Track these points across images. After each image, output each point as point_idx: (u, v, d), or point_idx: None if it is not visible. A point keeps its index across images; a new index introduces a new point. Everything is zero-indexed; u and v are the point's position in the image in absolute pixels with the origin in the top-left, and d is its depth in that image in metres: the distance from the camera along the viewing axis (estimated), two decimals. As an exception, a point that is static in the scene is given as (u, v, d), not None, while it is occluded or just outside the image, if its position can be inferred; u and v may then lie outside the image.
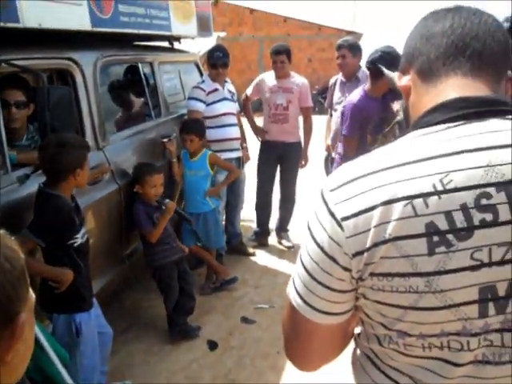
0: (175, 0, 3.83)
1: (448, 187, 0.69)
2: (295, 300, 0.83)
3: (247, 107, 4.56)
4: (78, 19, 2.60)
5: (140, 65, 3.72)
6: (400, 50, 0.92)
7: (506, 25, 4.70)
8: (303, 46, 16.11)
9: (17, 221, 2.11)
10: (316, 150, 4.63)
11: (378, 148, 0.79)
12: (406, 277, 0.71)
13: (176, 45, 4.41)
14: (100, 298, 2.44)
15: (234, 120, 3.97)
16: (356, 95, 3.26)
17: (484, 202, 0.68)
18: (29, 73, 2.50)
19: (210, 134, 3.82)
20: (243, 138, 4.24)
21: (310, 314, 0.81)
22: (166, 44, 4.32)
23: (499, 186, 0.68)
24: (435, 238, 0.69)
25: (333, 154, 3.90)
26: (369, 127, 3.17)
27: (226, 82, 3.97)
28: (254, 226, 4.68)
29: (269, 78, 4.31)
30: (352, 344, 0.91)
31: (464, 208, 0.68)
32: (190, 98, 3.84)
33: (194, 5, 4.25)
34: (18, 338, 0.58)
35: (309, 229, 0.80)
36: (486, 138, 0.71)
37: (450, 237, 0.68)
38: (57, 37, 2.61)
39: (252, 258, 4.31)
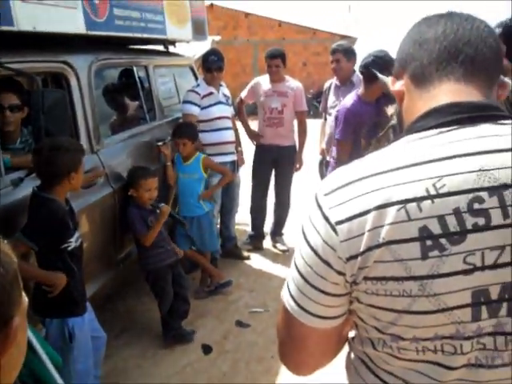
0: (170, 4, 3.84)
1: (441, 191, 0.69)
2: (289, 304, 0.83)
3: (241, 111, 4.57)
4: (72, 22, 2.60)
5: (135, 68, 3.71)
6: (394, 55, 0.93)
7: (499, 30, 4.73)
8: (298, 50, 16.16)
9: (10, 224, 2.10)
10: (310, 154, 4.64)
11: (372, 152, 0.80)
12: (400, 281, 0.71)
13: (171, 48, 4.41)
14: (94, 302, 2.43)
15: (228, 124, 3.97)
16: (349, 100, 3.27)
17: (477, 206, 0.69)
18: (23, 76, 2.49)
19: (205, 138, 3.83)
20: (238, 142, 4.25)
21: (305, 317, 0.81)
22: (160, 48, 4.32)
23: (492, 190, 0.69)
24: (428, 242, 0.69)
25: (327, 158, 3.91)
26: (362, 131, 3.19)
27: (220, 85, 3.98)
28: (249, 229, 4.68)
29: (264, 81, 4.32)
30: (346, 348, 0.92)
31: (457, 212, 0.69)
32: (185, 102, 3.84)
33: (189, 9, 4.26)
34: (12, 342, 0.58)
35: (303, 233, 0.80)
36: (479, 143, 0.72)
37: (443, 241, 0.69)
38: (51, 40, 2.61)
39: (247, 262, 4.31)
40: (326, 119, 4.25)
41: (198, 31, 4.46)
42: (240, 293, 3.76)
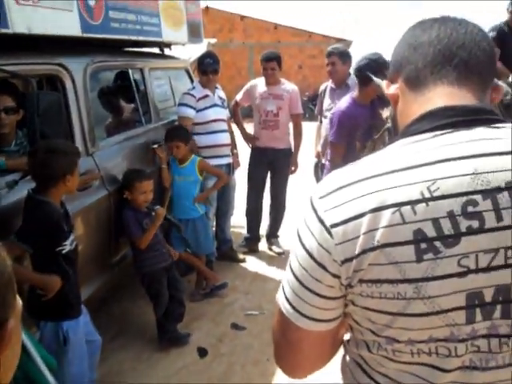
0: (166, 6, 3.84)
1: (435, 194, 0.70)
2: (285, 307, 0.83)
3: (237, 113, 4.57)
4: (68, 25, 2.60)
5: (130, 71, 3.71)
6: (389, 57, 0.94)
7: (493, 34, 4.75)
8: (293, 53, 16.22)
9: (5, 227, 2.09)
10: (306, 157, 4.65)
11: (367, 155, 0.80)
12: (395, 283, 0.71)
13: (167, 51, 4.41)
14: (89, 305, 2.42)
15: (224, 126, 3.97)
16: (344, 102, 3.28)
17: (470, 209, 0.69)
18: (18, 78, 2.48)
19: (201, 140, 3.83)
20: (234, 144, 4.25)
21: (300, 320, 0.81)
22: (156, 50, 4.32)
23: (485, 193, 0.69)
24: (423, 245, 0.69)
25: (323, 161, 3.91)
26: (357, 134, 3.20)
27: (216, 88, 3.98)
28: (245, 232, 4.68)
29: (259, 84, 4.33)
30: (341, 350, 0.92)
31: (451, 215, 0.69)
32: (181, 105, 3.84)
33: (185, 11, 4.27)
34: (6, 345, 0.58)
35: (298, 236, 0.80)
36: (472, 146, 0.72)
37: (437, 244, 0.69)
38: (47, 42, 2.60)
39: (242, 265, 4.30)
40: (321, 122, 4.26)
41: (194, 34, 4.47)
42: (235, 295, 3.75)
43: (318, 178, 4.23)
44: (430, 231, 0.69)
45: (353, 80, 3.82)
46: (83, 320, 2.23)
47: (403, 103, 0.86)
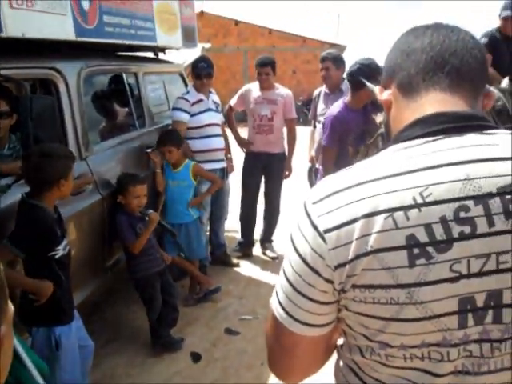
0: (160, 11, 3.85)
1: (428, 200, 0.70)
2: (278, 312, 0.83)
3: (231, 118, 4.58)
4: (62, 29, 2.60)
5: (124, 75, 3.71)
6: (381, 63, 0.94)
7: (484, 40, 4.79)
8: (288, 58, 16.28)
9: (-3, 231, 2.08)
10: (300, 161, 4.66)
11: (360, 160, 0.81)
12: (388, 288, 0.71)
13: (161, 55, 4.42)
14: (81, 310, 2.40)
15: (218, 131, 3.98)
16: (336, 107, 3.30)
17: (462, 214, 0.69)
18: (12, 82, 2.48)
19: (195, 145, 3.83)
20: (228, 149, 4.26)
21: (293, 325, 0.81)
22: (150, 54, 4.32)
23: (477, 199, 0.70)
24: (415, 251, 0.70)
25: (317, 165, 3.92)
26: (349, 139, 3.21)
27: (210, 92, 3.98)
28: (239, 236, 4.68)
29: (254, 89, 4.34)
30: (335, 355, 0.92)
31: (443, 221, 0.69)
32: (175, 109, 3.84)
33: (180, 16, 4.27)
34: (-2, 351, 0.57)
35: (292, 241, 0.80)
36: (464, 152, 0.73)
37: (429, 249, 0.70)
38: (41, 46, 2.60)
39: (236, 269, 4.30)
40: (315, 127, 4.27)
41: (188, 38, 4.47)
42: (229, 300, 3.75)
43: (312, 183, 4.24)
44: (423, 236, 0.70)
45: (346, 85, 3.84)
46: (76, 325, 2.21)
47: (396, 109, 0.87)
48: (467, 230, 0.69)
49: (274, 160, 4.35)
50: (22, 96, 2.25)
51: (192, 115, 3.80)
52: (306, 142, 4.49)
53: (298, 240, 0.78)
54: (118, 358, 2.98)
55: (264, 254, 4.58)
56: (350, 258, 0.72)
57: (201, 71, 3.82)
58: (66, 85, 2.73)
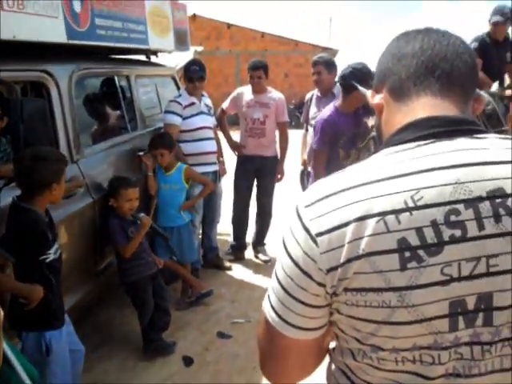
0: (153, 14, 3.84)
1: (419, 204, 0.71)
2: (270, 315, 0.83)
3: (223, 121, 4.58)
4: (53, 31, 2.58)
5: (116, 78, 3.70)
6: (373, 67, 0.95)
7: (475, 44, 4.83)
8: (280, 62, 16.33)
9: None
10: (292, 165, 4.67)
11: (351, 163, 0.81)
12: (379, 292, 0.72)
13: (153, 58, 4.41)
14: (72, 314, 2.39)
15: (210, 134, 3.98)
16: (327, 111, 3.32)
17: (453, 218, 0.70)
18: (2, 85, 2.46)
19: (187, 148, 3.82)
20: (220, 152, 4.26)
21: (286, 329, 0.81)
22: (143, 57, 4.32)
23: (468, 202, 0.70)
24: (407, 254, 0.70)
25: (309, 169, 3.93)
26: (340, 142, 3.22)
27: (202, 95, 3.98)
28: (231, 239, 4.67)
29: (246, 92, 4.34)
30: (327, 359, 0.92)
31: (434, 224, 0.70)
32: (167, 112, 3.83)
33: (172, 19, 4.27)
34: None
35: (284, 244, 0.80)
36: (455, 156, 0.73)
37: (420, 252, 0.70)
38: (32, 49, 2.58)
39: (228, 272, 4.29)
40: (307, 130, 4.28)
41: (181, 41, 4.47)
42: (221, 303, 3.74)
43: (304, 186, 4.24)
44: (414, 240, 0.70)
45: (338, 89, 3.86)
46: (66, 329, 2.20)
47: (388, 113, 0.88)
48: (458, 233, 0.70)
49: (266, 163, 4.36)
50: (12, 99, 2.24)
51: (184, 118, 3.80)
52: (298, 146, 4.50)
53: (290, 243, 0.78)
54: (110, 362, 2.96)
55: (256, 257, 4.58)
56: (341, 261, 0.72)
57: (193, 74, 3.82)
58: (58, 87, 2.72)
